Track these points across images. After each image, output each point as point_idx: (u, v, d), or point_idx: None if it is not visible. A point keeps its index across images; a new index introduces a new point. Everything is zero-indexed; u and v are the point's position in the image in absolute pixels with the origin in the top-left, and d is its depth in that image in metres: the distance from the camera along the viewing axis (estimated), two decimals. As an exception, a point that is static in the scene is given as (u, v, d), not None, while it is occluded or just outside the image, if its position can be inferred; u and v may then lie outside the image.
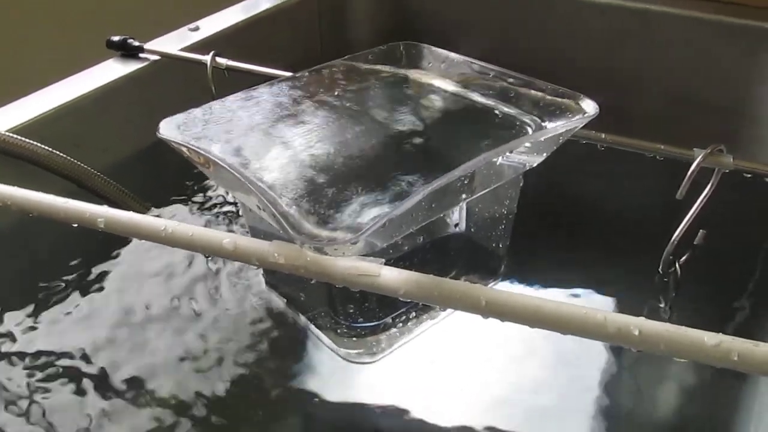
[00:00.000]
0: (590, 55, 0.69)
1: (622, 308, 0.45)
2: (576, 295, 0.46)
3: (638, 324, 0.28)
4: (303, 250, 0.31)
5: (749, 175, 0.44)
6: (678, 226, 0.44)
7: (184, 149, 0.36)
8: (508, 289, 0.45)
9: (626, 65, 0.68)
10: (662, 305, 0.45)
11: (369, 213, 0.30)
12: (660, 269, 0.45)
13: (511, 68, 0.43)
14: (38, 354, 0.41)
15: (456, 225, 0.42)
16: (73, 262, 0.47)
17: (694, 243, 0.46)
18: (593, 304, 0.44)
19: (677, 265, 0.45)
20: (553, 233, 0.51)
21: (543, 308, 0.29)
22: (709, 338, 0.28)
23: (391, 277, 0.30)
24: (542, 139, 0.37)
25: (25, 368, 0.40)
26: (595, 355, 0.41)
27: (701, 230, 0.46)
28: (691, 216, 0.43)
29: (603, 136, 0.45)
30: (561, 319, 0.29)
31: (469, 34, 0.74)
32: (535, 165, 0.40)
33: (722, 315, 0.45)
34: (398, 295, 0.30)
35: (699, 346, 0.28)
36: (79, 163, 0.49)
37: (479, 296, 0.30)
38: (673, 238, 0.44)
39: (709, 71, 0.65)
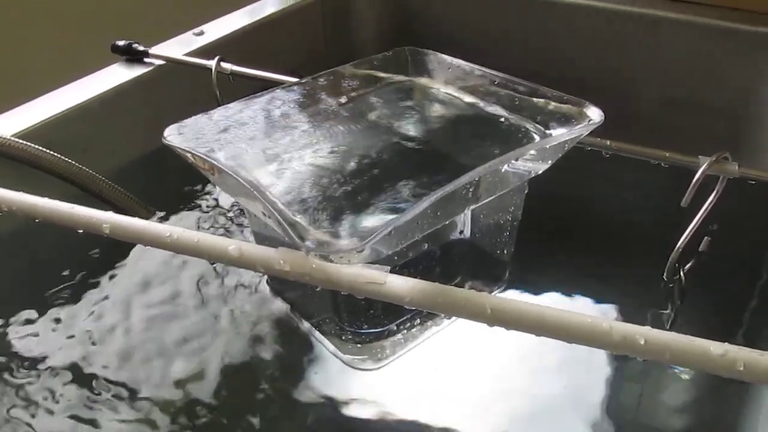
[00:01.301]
0: (594, 60, 0.69)
1: (626, 316, 0.45)
2: (580, 303, 0.46)
3: (643, 333, 0.28)
4: (308, 257, 0.31)
5: (754, 182, 0.44)
6: (683, 234, 0.44)
7: (189, 155, 0.36)
8: (512, 296, 0.45)
9: (631, 71, 0.68)
10: (667, 313, 0.45)
11: (374, 221, 0.30)
12: (665, 276, 0.45)
13: (514, 73, 0.43)
14: (40, 355, 0.41)
15: (461, 232, 0.42)
16: (77, 264, 0.48)
17: (699, 250, 0.46)
18: (597, 311, 0.45)
19: (682, 273, 0.45)
20: (558, 240, 0.51)
21: (548, 316, 0.29)
22: (714, 348, 0.27)
23: (397, 284, 0.30)
24: (547, 146, 0.37)
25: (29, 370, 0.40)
26: (598, 361, 0.41)
27: (706, 237, 0.46)
28: (695, 223, 0.43)
29: (608, 143, 0.45)
30: (566, 328, 0.29)
31: (472, 37, 0.74)
32: (540, 172, 0.40)
33: (727, 322, 0.45)
34: (404, 303, 0.30)
35: (705, 355, 0.27)
36: (83, 167, 0.49)
37: (484, 304, 0.29)
38: (677, 245, 0.44)
39: (713, 76, 0.65)
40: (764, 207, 0.51)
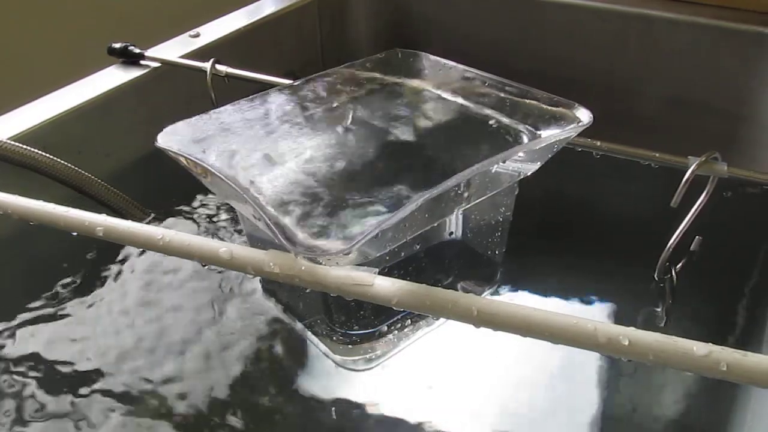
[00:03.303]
0: (589, 60, 0.69)
1: (618, 315, 0.45)
2: (572, 302, 0.46)
3: (627, 334, 0.28)
4: (298, 259, 0.31)
5: (747, 182, 0.44)
6: (674, 233, 0.44)
7: (182, 159, 0.37)
8: (504, 296, 0.45)
9: (625, 70, 0.68)
10: (658, 311, 0.45)
11: (362, 223, 0.31)
12: (656, 276, 0.45)
13: (511, 74, 0.43)
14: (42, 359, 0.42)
15: (451, 233, 0.43)
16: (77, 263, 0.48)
17: (690, 249, 0.46)
18: (589, 310, 0.45)
19: (673, 272, 0.45)
20: (549, 240, 0.51)
21: (534, 318, 0.29)
22: (698, 348, 0.28)
23: (384, 286, 0.31)
24: (536, 148, 0.38)
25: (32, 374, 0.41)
26: (589, 361, 0.42)
27: (697, 237, 0.47)
28: (686, 223, 0.43)
29: (598, 143, 0.45)
30: (551, 329, 0.29)
31: (468, 38, 0.75)
32: (530, 173, 0.40)
33: (718, 321, 0.45)
34: (391, 305, 0.30)
35: (688, 355, 0.28)
36: (80, 170, 0.49)
37: (471, 306, 0.30)
38: (668, 244, 0.44)
39: (711, 76, 0.65)
40: (754, 205, 0.52)
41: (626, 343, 0.28)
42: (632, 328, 0.28)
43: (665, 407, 0.40)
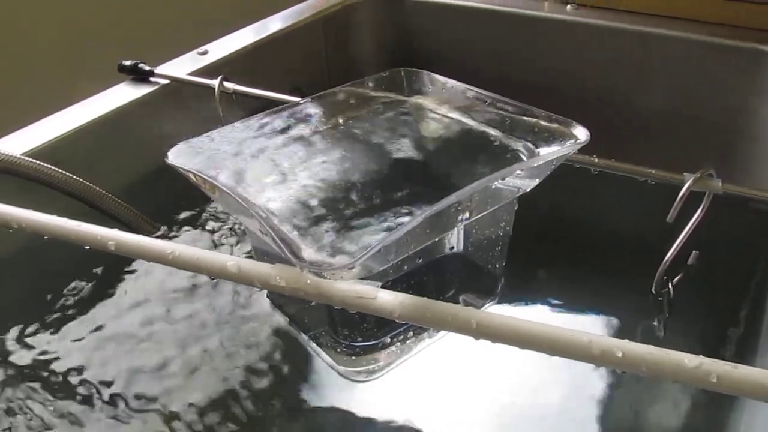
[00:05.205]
0: (588, 76, 0.71)
1: (616, 328, 0.46)
2: (571, 315, 0.47)
3: (621, 346, 0.29)
4: (303, 273, 0.32)
5: (740, 197, 0.45)
6: (670, 248, 0.45)
7: (191, 175, 0.38)
8: (504, 309, 0.46)
9: (623, 86, 0.69)
10: (656, 324, 0.46)
11: (365, 239, 0.32)
12: (653, 289, 0.46)
13: (510, 89, 0.45)
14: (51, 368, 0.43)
15: (452, 248, 0.44)
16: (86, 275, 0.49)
17: (687, 263, 0.47)
18: (588, 323, 0.46)
19: (670, 286, 0.46)
20: (549, 254, 0.52)
21: (530, 330, 0.30)
22: (689, 360, 0.29)
23: (387, 299, 0.32)
24: (535, 165, 0.39)
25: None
26: (588, 372, 0.42)
27: (694, 251, 0.48)
28: (683, 238, 0.44)
29: (596, 160, 0.46)
30: (547, 341, 0.30)
31: (470, 57, 0.76)
32: (528, 190, 0.41)
33: (714, 334, 0.46)
34: (393, 317, 0.31)
35: (680, 367, 0.29)
36: (91, 185, 0.50)
37: (470, 319, 0.31)
38: (665, 259, 0.45)
39: (705, 92, 0.66)
40: (749, 220, 0.53)
41: (620, 355, 0.29)
42: (626, 341, 0.29)
43: (658, 409, 0.41)
